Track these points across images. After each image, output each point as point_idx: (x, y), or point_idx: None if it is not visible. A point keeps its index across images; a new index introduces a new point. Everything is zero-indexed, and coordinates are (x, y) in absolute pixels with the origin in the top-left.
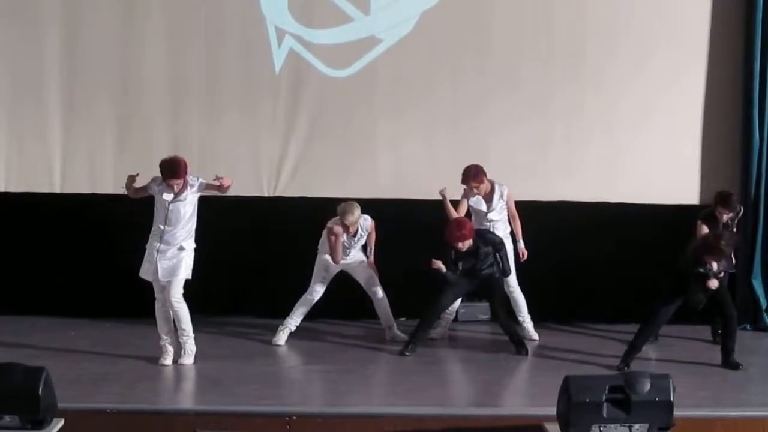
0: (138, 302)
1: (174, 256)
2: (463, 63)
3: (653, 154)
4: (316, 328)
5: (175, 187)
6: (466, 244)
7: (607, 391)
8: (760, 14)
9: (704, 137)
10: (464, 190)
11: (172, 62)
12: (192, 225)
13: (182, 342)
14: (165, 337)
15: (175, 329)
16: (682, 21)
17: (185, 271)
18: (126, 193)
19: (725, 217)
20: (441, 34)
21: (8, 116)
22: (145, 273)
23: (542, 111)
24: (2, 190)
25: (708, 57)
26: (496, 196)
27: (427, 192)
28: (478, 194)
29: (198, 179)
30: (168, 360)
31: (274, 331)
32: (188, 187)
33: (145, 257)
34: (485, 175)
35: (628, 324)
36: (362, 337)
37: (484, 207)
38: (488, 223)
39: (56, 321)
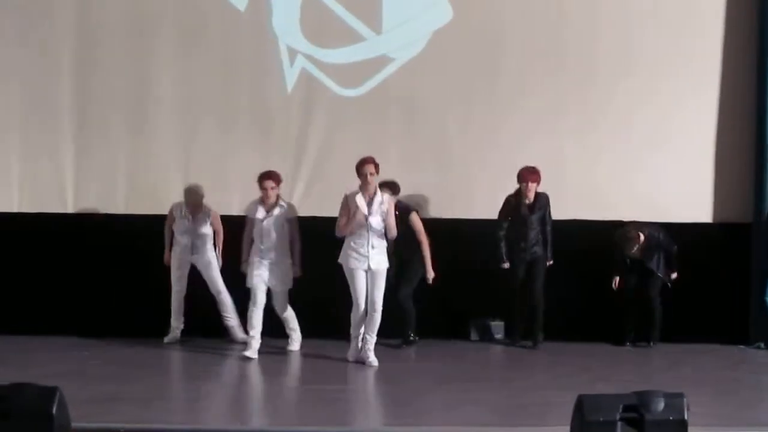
0: (149, 321)
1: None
2: (475, 82)
3: (666, 173)
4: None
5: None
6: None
7: (620, 410)
8: None
9: (717, 156)
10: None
11: (185, 82)
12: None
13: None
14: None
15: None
16: (695, 40)
17: None
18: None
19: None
20: (453, 53)
21: (21, 136)
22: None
23: (553, 130)
24: (15, 210)
25: (721, 75)
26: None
27: (439, 210)
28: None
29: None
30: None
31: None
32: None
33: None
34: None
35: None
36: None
37: None
38: None
39: (68, 341)
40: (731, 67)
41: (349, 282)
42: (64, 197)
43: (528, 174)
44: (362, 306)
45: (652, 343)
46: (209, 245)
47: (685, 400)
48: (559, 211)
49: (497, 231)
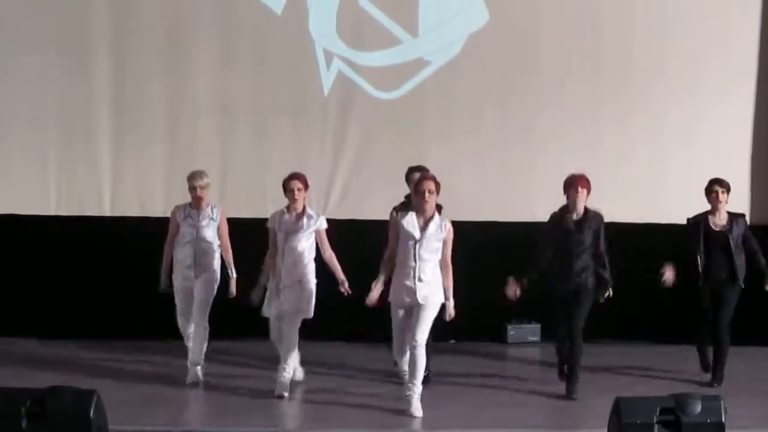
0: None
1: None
2: (511, 83)
3: (702, 172)
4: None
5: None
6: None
7: (657, 413)
8: None
9: (753, 155)
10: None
11: (221, 85)
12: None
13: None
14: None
15: None
16: (731, 37)
17: None
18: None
19: None
20: (489, 55)
21: (59, 141)
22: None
23: (590, 130)
24: (53, 213)
25: (757, 74)
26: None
27: (476, 213)
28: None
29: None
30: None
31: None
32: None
33: None
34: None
35: (679, 345)
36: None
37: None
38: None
39: (103, 343)
40: (766, 80)
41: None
42: (102, 201)
43: (578, 179)
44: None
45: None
46: (217, 258)
47: (722, 402)
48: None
49: (539, 256)
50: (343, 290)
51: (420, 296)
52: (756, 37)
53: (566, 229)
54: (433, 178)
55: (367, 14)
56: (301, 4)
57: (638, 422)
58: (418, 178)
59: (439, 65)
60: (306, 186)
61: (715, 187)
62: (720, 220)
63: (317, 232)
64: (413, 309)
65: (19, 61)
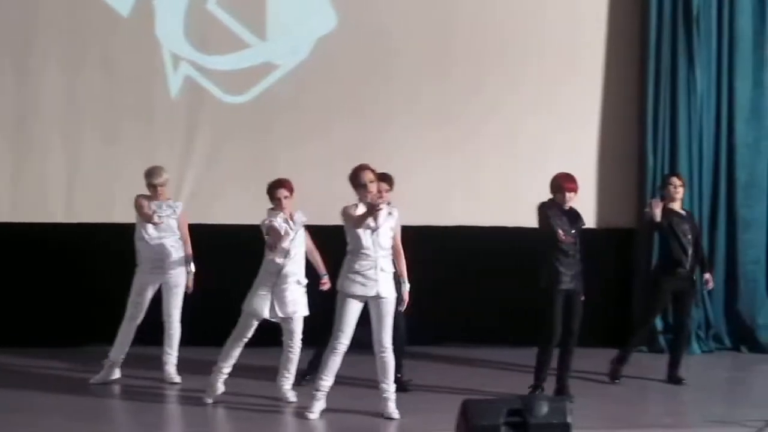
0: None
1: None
2: (361, 88)
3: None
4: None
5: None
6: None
7: (505, 415)
8: (654, 35)
9: (600, 160)
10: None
11: (69, 89)
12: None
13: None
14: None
15: None
16: (579, 50)
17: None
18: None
19: None
20: (338, 59)
21: None
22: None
23: (443, 135)
24: None
25: (603, 83)
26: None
27: (326, 218)
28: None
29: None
30: None
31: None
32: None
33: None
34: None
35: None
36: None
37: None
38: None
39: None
40: (614, 76)
41: (338, 311)
42: None
43: (567, 182)
44: (346, 344)
45: None
46: (181, 255)
47: (568, 403)
48: (445, 216)
49: (549, 252)
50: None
51: (381, 288)
52: (602, 48)
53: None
54: (369, 167)
55: (215, 18)
56: (148, 7)
57: (485, 424)
58: (355, 169)
59: (287, 69)
60: (292, 192)
61: (672, 179)
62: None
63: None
64: (370, 304)
65: None
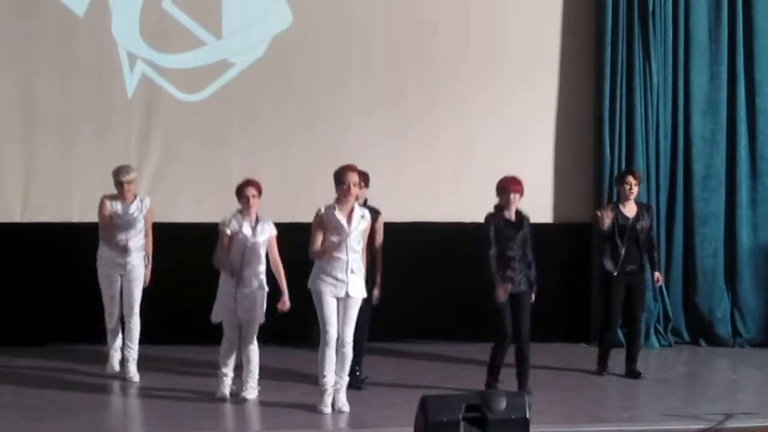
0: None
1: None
2: (317, 86)
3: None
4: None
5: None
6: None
7: (463, 410)
8: (609, 29)
9: (557, 155)
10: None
11: (24, 88)
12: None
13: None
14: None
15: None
16: (532, 44)
17: None
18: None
19: None
20: (294, 56)
21: None
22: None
23: (398, 133)
24: None
25: (558, 78)
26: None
27: (284, 215)
28: None
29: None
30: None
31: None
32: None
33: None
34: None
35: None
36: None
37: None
38: None
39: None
40: (569, 71)
41: (318, 309)
42: None
43: (513, 183)
44: (336, 336)
45: None
46: (143, 251)
47: (527, 398)
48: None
49: (489, 261)
50: (280, 305)
51: (350, 289)
52: (557, 43)
53: (504, 233)
54: (356, 169)
55: (170, 16)
56: (104, 6)
57: (444, 420)
58: (339, 169)
59: (243, 67)
60: (260, 192)
61: (628, 178)
62: (629, 212)
63: (269, 238)
64: (339, 302)
65: None
